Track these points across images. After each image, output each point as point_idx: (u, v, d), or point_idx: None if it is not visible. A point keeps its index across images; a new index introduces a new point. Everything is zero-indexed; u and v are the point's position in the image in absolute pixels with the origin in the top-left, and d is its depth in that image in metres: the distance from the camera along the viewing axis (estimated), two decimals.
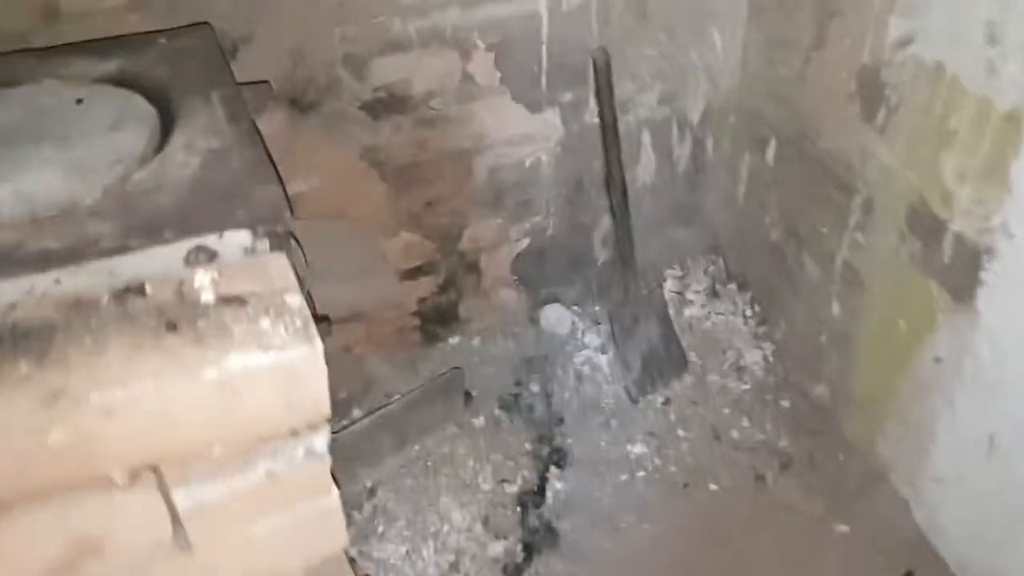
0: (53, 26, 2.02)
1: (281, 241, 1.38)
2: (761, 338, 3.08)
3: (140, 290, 1.29)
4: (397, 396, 2.82)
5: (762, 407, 2.90)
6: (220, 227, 1.32)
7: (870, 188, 2.41)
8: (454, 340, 3.09)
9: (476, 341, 3.10)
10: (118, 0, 2.05)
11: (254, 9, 2.19)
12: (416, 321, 2.98)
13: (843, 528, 2.54)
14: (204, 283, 1.31)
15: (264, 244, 1.37)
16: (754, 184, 2.99)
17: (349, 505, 2.46)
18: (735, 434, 2.83)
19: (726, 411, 2.90)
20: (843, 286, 2.60)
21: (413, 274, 2.87)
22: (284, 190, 1.42)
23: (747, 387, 2.96)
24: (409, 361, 3.01)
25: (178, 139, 1.50)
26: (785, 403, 2.90)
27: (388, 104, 2.48)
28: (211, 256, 1.35)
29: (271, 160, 1.47)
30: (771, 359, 3.01)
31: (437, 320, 3.02)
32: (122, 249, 1.28)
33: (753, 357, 3.03)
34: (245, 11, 2.18)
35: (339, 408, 2.65)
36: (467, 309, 3.05)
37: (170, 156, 1.46)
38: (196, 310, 1.27)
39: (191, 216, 1.34)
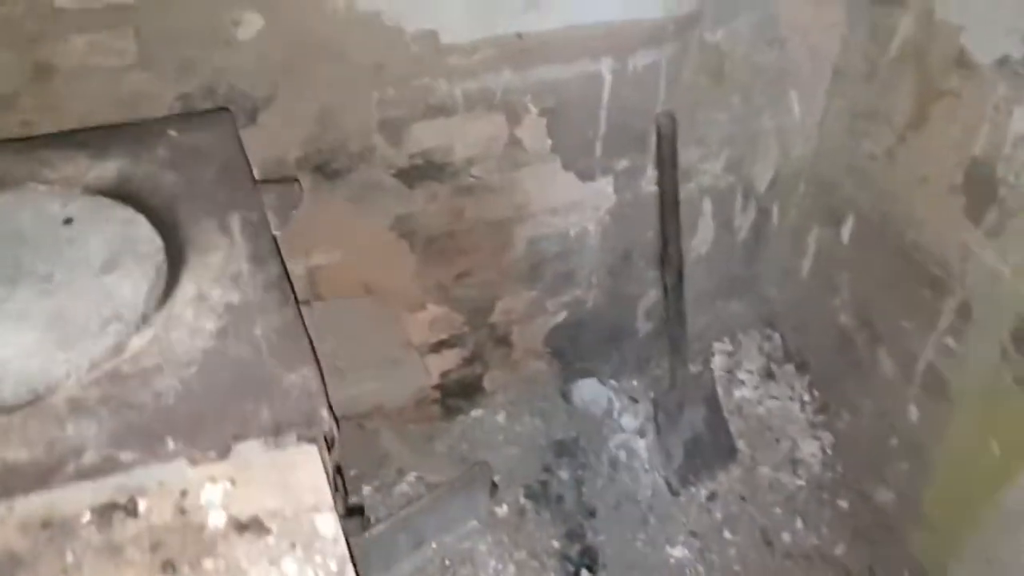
0: (46, 85, 1.70)
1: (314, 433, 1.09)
2: (819, 427, 2.78)
3: (131, 508, 1.00)
4: (413, 475, 2.56)
5: (818, 507, 2.62)
6: (239, 436, 1.03)
7: (968, 293, 2.13)
8: (476, 413, 2.79)
9: (501, 416, 2.79)
10: (123, 58, 1.72)
11: (279, 69, 1.87)
12: (437, 394, 2.68)
13: None
14: (213, 499, 1.02)
15: (291, 435, 1.08)
16: (823, 260, 2.69)
17: None
18: (787, 537, 2.56)
19: (777, 510, 2.62)
20: (924, 391, 2.32)
21: (437, 347, 2.58)
22: (319, 368, 1.11)
23: (801, 483, 2.68)
24: (426, 435, 2.71)
25: (188, 286, 1.19)
26: (843, 504, 2.62)
27: (425, 171, 2.19)
28: (223, 452, 1.06)
29: (302, 320, 1.16)
30: (829, 452, 2.73)
31: (460, 393, 2.73)
32: (109, 467, 0.99)
33: (809, 448, 2.74)
34: (268, 71, 1.86)
35: (348, 485, 2.39)
36: (492, 381, 2.75)
37: (177, 315, 1.15)
38: (201, 540, 0.99)
39: (201, 417, 1.04)
